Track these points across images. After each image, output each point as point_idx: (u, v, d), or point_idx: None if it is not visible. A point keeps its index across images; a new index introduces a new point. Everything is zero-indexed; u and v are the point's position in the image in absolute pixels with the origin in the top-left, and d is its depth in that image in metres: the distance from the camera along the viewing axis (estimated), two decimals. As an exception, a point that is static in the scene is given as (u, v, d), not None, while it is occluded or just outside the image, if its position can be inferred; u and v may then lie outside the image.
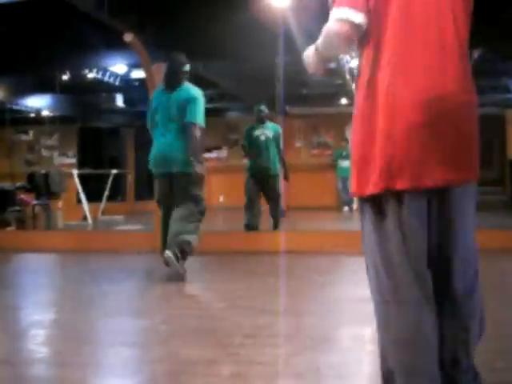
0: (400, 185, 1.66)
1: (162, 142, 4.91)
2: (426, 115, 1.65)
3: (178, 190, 4.86)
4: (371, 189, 1.69)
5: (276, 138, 7.40)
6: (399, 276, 1.67)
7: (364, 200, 1.77)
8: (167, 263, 4.76)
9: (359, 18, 1.69)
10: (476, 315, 1.77)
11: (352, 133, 1.79)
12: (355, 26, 1.70)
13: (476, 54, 9.22)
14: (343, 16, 1.69)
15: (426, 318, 1.66)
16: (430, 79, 1.68)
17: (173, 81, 4.95)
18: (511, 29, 7.05)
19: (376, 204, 1.72)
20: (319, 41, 1.83)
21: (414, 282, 1.66)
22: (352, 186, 1.78)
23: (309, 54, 1.91)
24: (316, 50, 1.87)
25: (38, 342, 3.19)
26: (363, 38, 1.77)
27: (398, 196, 1.68)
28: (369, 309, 1.93)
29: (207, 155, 16.13)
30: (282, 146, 7.55)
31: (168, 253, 4.70)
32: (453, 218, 1.74)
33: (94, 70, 10.46)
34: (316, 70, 1.92)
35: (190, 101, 4.84)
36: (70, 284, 5.07)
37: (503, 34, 7.28)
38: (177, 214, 4.84)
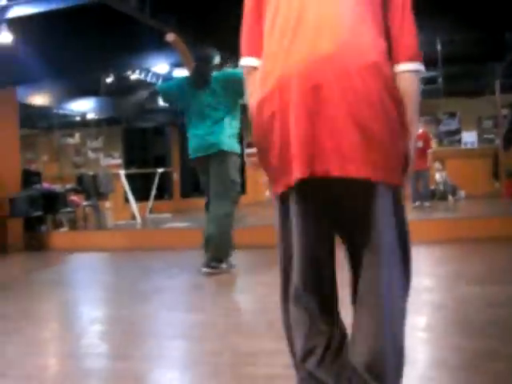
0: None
1: (196, 134, 4.98)
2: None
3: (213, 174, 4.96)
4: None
5: None
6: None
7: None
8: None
9: (254, 62, 1.79)
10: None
11: None
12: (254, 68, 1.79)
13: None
14: (243, 64, 1.83)
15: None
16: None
17: (201, 80, 5.01)
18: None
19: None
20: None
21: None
22: None
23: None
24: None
25: (99, 336, 3.26)
26: None
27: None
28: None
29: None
30: None
31: (205, 270, 4.87)
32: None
33: (137, 71, 10.60)
34: None
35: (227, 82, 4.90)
36: (124, 281, 5.16)
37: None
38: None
